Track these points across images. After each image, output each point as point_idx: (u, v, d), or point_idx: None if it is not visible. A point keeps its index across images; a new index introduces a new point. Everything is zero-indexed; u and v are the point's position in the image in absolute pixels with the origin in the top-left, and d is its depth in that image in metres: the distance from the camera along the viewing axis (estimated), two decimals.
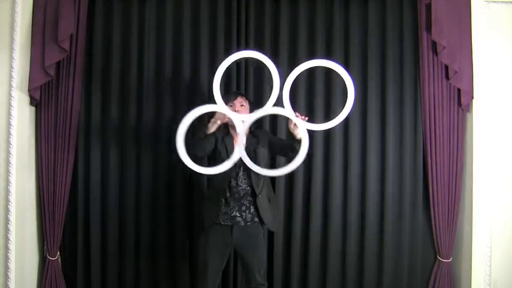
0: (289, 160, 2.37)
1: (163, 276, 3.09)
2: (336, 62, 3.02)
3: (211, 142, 2.53)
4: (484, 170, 3.01)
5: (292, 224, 3.08)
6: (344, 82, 2.38)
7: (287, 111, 2.37)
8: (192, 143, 2.46)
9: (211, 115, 2.48)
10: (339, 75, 2.39)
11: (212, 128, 2.47)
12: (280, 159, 3.04)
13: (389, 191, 3.09)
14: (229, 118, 2.41)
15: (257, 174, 2.52)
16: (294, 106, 2.45)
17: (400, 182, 3.11)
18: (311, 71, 2.88)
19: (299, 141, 2.38)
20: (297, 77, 2.42)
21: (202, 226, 2.65)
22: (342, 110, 2.38)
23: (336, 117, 2.40)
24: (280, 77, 2.35)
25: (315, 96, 3.09)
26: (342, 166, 3.11)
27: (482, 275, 3.01)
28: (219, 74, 2.38)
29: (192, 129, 2.32)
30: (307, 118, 2.39)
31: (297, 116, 2.37)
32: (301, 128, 2.34)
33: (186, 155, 2.30)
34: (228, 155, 2.54)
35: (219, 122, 2.45)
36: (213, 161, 2.58)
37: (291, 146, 2.49)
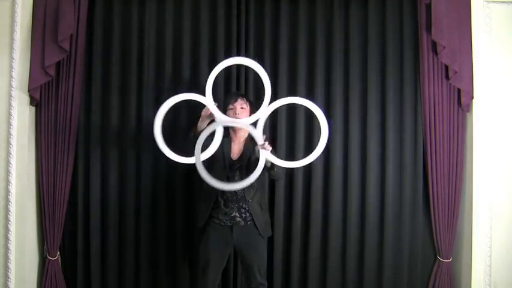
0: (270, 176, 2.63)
1: (163, 276, 3.09)
2: (336, 62, 3.10)
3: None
4: (484, 170, 3.01)
5: (292, 223, 3.08)
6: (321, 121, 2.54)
7: (256, 133, 2.46)
8: (183, 144, 2.55)
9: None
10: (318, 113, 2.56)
11: (202, 124, 2.51)
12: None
13: (389, 191, 3.09)
14: (211, 112, 2.51)
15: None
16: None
17: (400, 182, 3.11)
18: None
19: (271, 172, 2.54)
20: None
21: (202, 227, 2.66)
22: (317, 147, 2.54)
23: (307, 157, 2.56)
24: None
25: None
26: (341, 166, 3.11)
27: (482, 275, 3.01)
28: (215, 73, 2.50)
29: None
30: (270, 149, 2.45)
31: (263, 143, 2.43)
32: (263, 154, 2.43)
33: (163, 143, 2.46)
34: (225, 158, 2.56)
35: (206, 119, 2.52)
36: (211, 163, 2.58)
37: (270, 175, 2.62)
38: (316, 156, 2.55)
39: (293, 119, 3.09)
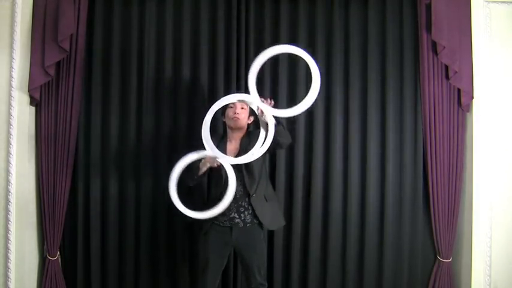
0: (273, 152, 2.52)
1: (163, 276, 3.09)
2: (336, 62, 3.10)
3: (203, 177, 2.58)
4: (484, 170, 3.01)
5: (292, 224, 3.07)
6: (309, 69, 2.44)
7: (253, 97, 2.43)
8: (185, 179, 2.54)
9: None
10: (305, 62, 2.44)
11: (203, 169, 2.51)
12: (280, 160, 3.06)
13: (389, 191, 3.09)
14: (218, 163, 2.47)
15: (250, 175, 2.55)
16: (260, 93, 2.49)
17: (400, 182, 3.11)
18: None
19: (276, 129, 2.44)
20: (262, 66, 2.48)
21: (201, 228, 2.66)
22: (306, 97, 2.43)
23: (301, 102, 2.43)
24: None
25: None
26: (342, 166, 3.11)
27: (482, 275, 3.01)
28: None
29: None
30: (273, 103, 2.45)
31: (263, 101, 2.43)
32: (268, 113, 2.40)
33: (178, 200, 2.49)
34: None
35: (208, 165, 2.49)
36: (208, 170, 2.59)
37: (274, 139, 2.47)
38: (309, 103, 2.43)
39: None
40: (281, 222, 2.73)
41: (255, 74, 2.41)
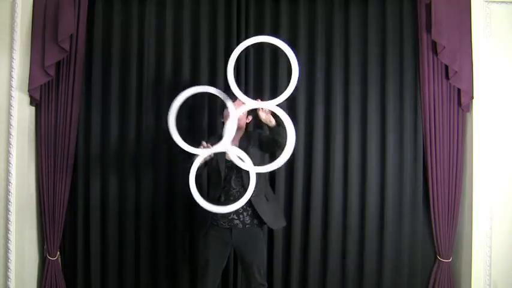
0: (275, 156, 2.44)
1: (163, 277, 3.09)
2: (336, 62, 3.10)
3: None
4: (484, 170, 3.01)
5: (292, 224, 3.07)
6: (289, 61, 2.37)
7: (248, 101, 2.39)
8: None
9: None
10: (286, 54, 2.38)
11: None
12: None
13: (390, 191, 3.09)
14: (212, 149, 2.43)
15: (249, 175, 2.52)
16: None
17: (400, 182, 3.11)
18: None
19: (275, 130, 2.43)
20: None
21: (201, 228, 2.66)
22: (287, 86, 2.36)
23: (284, 93, 2.36)
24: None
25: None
26: (342, 166, 3.11)
27: (482, 275, 3.01)
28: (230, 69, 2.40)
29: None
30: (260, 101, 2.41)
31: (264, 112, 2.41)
32: (268, 112, 2.39)
33: (177, 133, 2.41)
34: (219, 159, 2.54)
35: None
36: (208, 165, 2.58)
37: (274, 140, 2.46)
38: (290, 93, 2.37)
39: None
40: (282, 222, 2.72)
41: (232, 65, 2.39)
